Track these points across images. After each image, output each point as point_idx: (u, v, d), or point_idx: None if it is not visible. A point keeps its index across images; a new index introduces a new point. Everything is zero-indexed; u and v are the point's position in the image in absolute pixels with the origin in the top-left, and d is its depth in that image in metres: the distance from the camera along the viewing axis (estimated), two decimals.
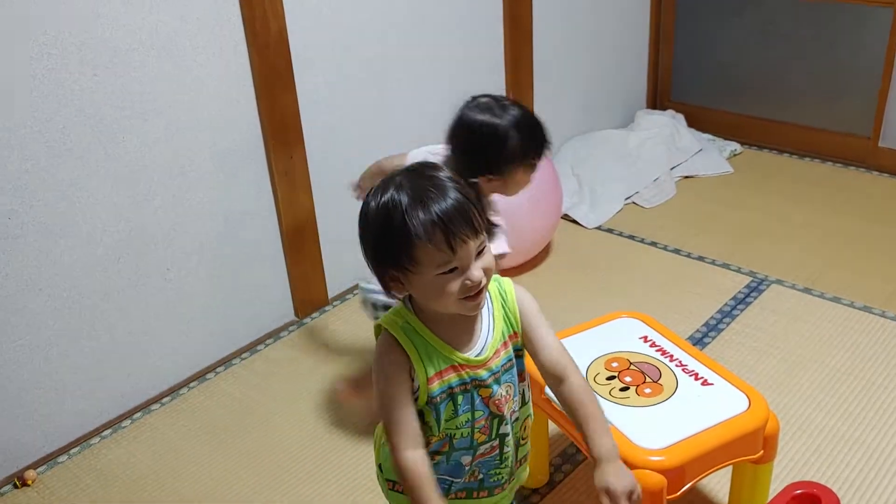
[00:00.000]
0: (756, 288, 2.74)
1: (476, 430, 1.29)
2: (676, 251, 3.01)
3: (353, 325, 2.70)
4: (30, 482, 2.13)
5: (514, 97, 3.23)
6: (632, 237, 3.13)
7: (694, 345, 2.45)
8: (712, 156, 3.67)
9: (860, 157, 3.55)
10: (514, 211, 2.74)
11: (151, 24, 2.13)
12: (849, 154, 3.58)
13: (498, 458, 1.34)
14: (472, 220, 1.17)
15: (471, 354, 1.27)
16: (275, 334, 2.67)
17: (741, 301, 2.68)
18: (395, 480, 1.38)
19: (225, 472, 2.13)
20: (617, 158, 3.55)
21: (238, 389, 2.44)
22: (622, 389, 1.70)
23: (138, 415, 2.36)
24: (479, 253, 1.19)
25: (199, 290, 2.45)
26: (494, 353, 1.28)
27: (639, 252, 3.03)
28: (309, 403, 2.36)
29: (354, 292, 2.86)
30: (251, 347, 2.61)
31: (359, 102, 2.71)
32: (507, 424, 1.32)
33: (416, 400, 1.26)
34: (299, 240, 2.65)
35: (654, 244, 3.07)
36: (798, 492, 1.36)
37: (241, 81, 2.37)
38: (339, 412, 2.28)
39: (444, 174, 1.21)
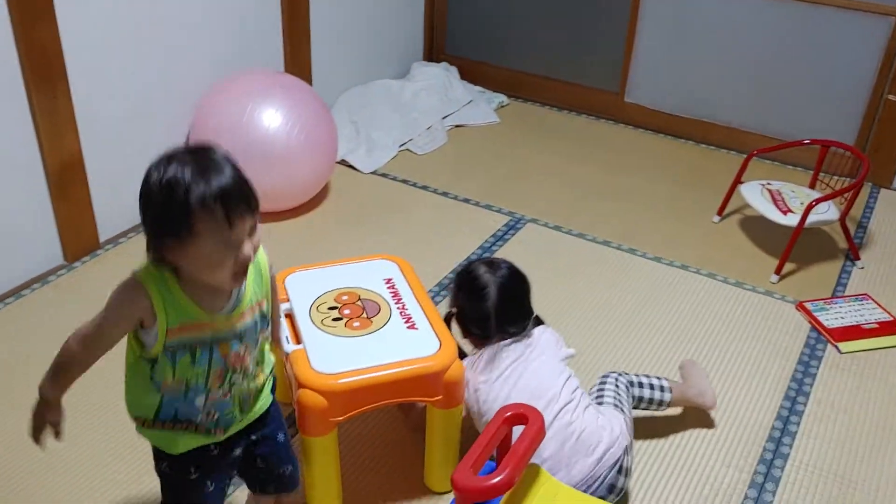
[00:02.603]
0: (514, 226, 3.01)
1: (211, 378, 1.39)
2: (445, 194, 3.22)
3: (125, 268, 2.59)
4: None
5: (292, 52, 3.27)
6: (405, 181, 3.30)
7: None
8: (481, 107, 3.92)
9: (609, 111, 3.93)
10: (288, 154, 2.82)
11: None
12: (600, 108, 3.95)
13: (231, 401, 1.45)
14: (250, 199, 1.28)
15: (219, 313, 1.36)
16: (42, 279, 2.60)
17: (500, 238, 2.93)
18: (143, 417, 1.44)
19: None
20: (393, 108, 3.70)
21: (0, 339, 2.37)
22: (335, 319, 1.82)
23: None
24: (251, 231, 1.30)
25: None
26: (240, 316, 1.39)
27: (411, 195, 3.22)
28: None
29: (129, 235, 2.82)
30: (15, 292, 2.53)
31: (130, 39, 2.66)
32: (241, 376, 1.43)
33: (151, 346, 1.34)
34: (66, 181, 2.58)
35: (425, 188, 3.26)
36: (508, 414, 1.46)
37: None
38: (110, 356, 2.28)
39: (222, 153, 1.29)
